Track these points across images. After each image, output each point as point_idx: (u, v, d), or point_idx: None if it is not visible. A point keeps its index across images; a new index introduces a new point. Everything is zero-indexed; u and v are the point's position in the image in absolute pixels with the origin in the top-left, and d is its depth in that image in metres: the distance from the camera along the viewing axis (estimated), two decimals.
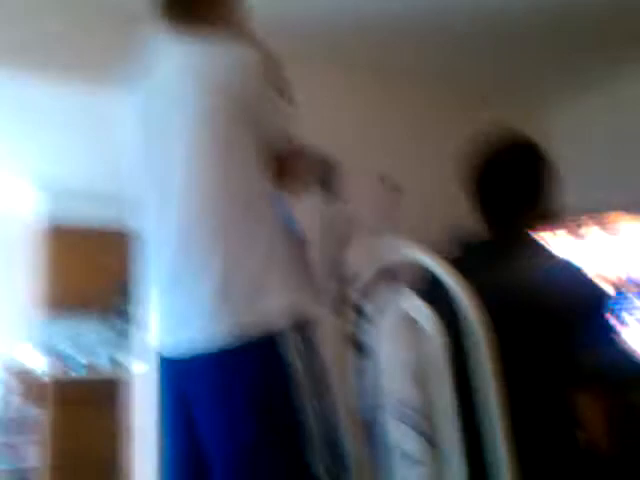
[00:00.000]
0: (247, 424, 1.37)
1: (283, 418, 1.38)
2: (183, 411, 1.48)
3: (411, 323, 1.38)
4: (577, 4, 3.42)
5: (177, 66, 1.52)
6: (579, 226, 3.53)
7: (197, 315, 1.42)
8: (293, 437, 1.38)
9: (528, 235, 1.56)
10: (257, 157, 1.49)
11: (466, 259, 1.68)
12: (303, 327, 1.44)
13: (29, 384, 5.74)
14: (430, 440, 1.30)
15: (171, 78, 1.52)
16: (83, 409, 5.63)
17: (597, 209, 3.64)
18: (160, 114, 1.53)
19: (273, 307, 1.40)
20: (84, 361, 6.08)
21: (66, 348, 6.12)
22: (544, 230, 1.62)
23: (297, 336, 1.42)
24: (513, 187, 1.56)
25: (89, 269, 6.28)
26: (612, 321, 1.39)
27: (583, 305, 1.37)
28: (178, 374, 1.49)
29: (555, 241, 3.41)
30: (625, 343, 1.37)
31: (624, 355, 1.35)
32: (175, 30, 1.58)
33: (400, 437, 1.37)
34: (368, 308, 2.69)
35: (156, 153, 1.54)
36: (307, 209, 2.34)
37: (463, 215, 1.76)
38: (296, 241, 1.71)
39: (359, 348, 2.72)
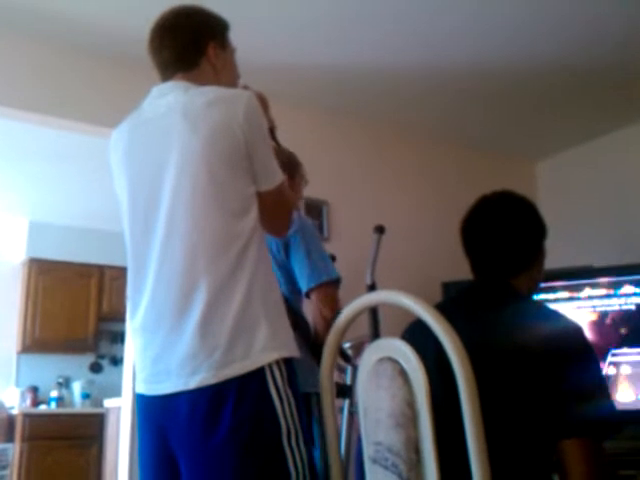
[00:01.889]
0: (227, 463, 1.35)
1: (264, 458, 1.37)
2: (162, 448, 1.46)
3: (393, 365, 1.38)
4: (567, 70, 3.69)
5: (168, 104, 1.53)
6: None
7: (178, 352, 1.41)
8: (275, 476, 1.37)
9: (509, 283, 1.58)
10: (244, 197, 1.49)
11: (447, 304, 1.69)
12: (285, 365, 1.44)
13: (0, 419, 5.63)
14: None
15: (162, 115, 1.53)
16: (55, 444, 5.53)
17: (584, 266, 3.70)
18: (147, 149, 1.54)
19: (255, 345, 1.40)
20: (57, 396, 5.97)
21: (39, 382, 6.01)
22: (534, 284, 1.64)
23: (279, 374, 1.41)
24: (493, 236, 1.59)
25: (65, 304, 6.22)
26: (596, 371, 1.40)
27: (562, 352, 1.38)
28: (157, 411, 1.47)
29: (546, 295, 3.45)
30: (606, 392, 1.39)
31: (604, 403, 1.36)
32: (171, 77, 1.61)
33: None
34: (350, 350, 2.70)
35: (140, 189, 1.54)
36: None
37: (459, 263, 1.79)
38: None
39: (341, 390, 2.71)
